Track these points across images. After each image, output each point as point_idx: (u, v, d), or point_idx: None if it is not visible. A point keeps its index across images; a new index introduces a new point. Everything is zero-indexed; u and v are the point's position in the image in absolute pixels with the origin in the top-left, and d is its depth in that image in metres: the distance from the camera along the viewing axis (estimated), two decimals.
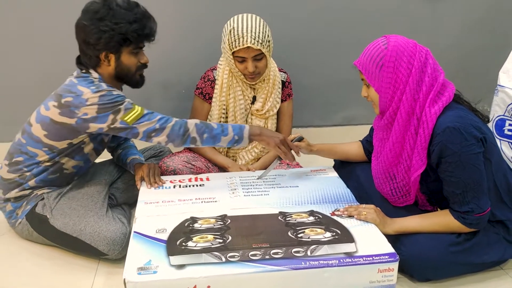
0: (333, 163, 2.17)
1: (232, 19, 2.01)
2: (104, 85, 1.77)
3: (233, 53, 1.99)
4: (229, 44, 1.98)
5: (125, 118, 1.74)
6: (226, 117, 2.15)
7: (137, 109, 1.77)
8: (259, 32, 1.94)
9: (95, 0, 1.76)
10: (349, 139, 2.53)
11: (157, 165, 2.03)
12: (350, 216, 1.66)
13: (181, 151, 2.27)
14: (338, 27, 2.67)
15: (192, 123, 1.81)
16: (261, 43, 1.95)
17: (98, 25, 1.72)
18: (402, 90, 1.56)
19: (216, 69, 2.15)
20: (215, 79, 2.14)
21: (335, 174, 2.04)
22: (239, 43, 1.94)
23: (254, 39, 1.93)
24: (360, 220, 1.64)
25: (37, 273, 1.76)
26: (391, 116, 1.61)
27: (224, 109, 2.14)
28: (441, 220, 1.60)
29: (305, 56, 2.70)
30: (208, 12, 2.54)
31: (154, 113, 1.79)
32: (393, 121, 1.62)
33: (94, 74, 1.81)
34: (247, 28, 1.94)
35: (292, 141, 1.93)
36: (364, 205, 1.68)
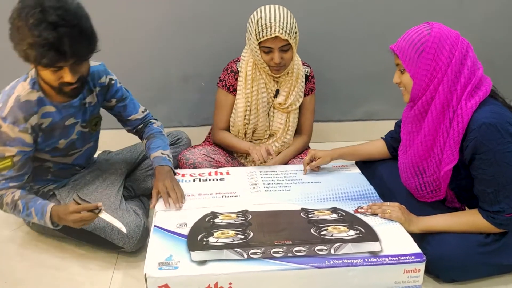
0: None
1: (259, 9, 1.97)
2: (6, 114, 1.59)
3: (259, 43, 1.96)
4: (256, 34, 1.94)
5: None
6: (250, 110, 2.12)
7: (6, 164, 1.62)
8: (287, 23, 1.91)
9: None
10: (370, 135, 2.48)
11: (175, 180, 1.80)
12: (374, 214, 1.62)
13: (200, 144, 2.25)
14: (361, 20, 2.61)
15: (5, 201, 1.65)
16: (288, 34, 1.91)
17: (10, 29, 1.49)
18: (440, 79, 1.50)
19: (239, 61, 2.12)
20: (238, 71, 2.11)
21: (358, 170, 2.00)
22: (266, 32, 1.91)
23: (282, 29, 1.89)
24: (384, 218, 1.60)
25: (56, 265, 1.75)
26: (423, 106, 1.56)
27: (249, 101, 2.10)
28: (469, 220, 1.55)
29: (326, 50, 2.65)
30: (227, 5, 2.50)
31: (12, 180, 1.64)
32: (426, 112, 1.57)
33: (29, 79, 1.63)
34: (275, 18, 1.90)
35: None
36: (388, 203, 1.64)
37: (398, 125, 1.90)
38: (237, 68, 2.11)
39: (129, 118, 1.95)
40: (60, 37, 1.42)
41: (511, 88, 2.07)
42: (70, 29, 1.43)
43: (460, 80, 1.49)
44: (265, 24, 1.91)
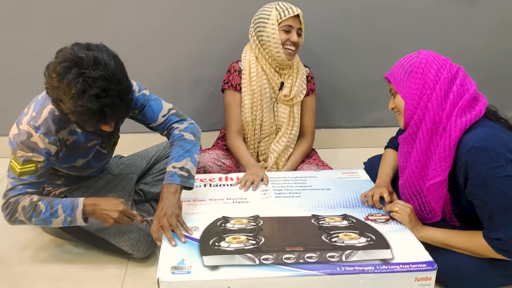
0: (363, 165, 2.13)
1: (266, 4, 2.12)
2: (42, 129, 1.59)
3: (279, 24, 2.05)
4: (277, 15, 2.06)
5: (16, 164, 1.60)
6: (256, 106, 2.16)
7: (30, 168, 1.61)
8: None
9: (67, 59, 1.42)
10: (378, 141, 2.48)
11: (176, 212, 1.61)
12: (387, 221, 1.64)
13: (210, 148, 2.26)
14: (369, 27, 2.62)
15: (22, 204, 1.60)
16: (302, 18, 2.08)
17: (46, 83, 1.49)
18: (429, 95, 1.50)
19: (241, 61, 2.19)
20: (241, 70, 2.17)
21: (367, 177, 2.01)
22: (288, 12, 2.05)
23: (299, 12, 2.07)
24: (388, 212, 1.65)
25: (64, 271, 1.75)
26: (416, 124, 1.55)
27: (254, 97, 2.15)
28: (471, 237, 1.50)
29: (334, 56, 2.66)
30: (236, 11, 2.51)
31: (31, 186, 1.62)
32: (418, 130, 1.56)
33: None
34: (288, 3, 2.09)
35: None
36: (402, 202, 1.65)
37: (398, 133, 1.90)
38: (239, 67, 2.17)
39: (151, 125, 1.85)
40: (102, 107, 1.43)
41: None
42: (112, 99, 1.44)
43: (449, 97, 1.48)
44: (285, 6, 2.07)
